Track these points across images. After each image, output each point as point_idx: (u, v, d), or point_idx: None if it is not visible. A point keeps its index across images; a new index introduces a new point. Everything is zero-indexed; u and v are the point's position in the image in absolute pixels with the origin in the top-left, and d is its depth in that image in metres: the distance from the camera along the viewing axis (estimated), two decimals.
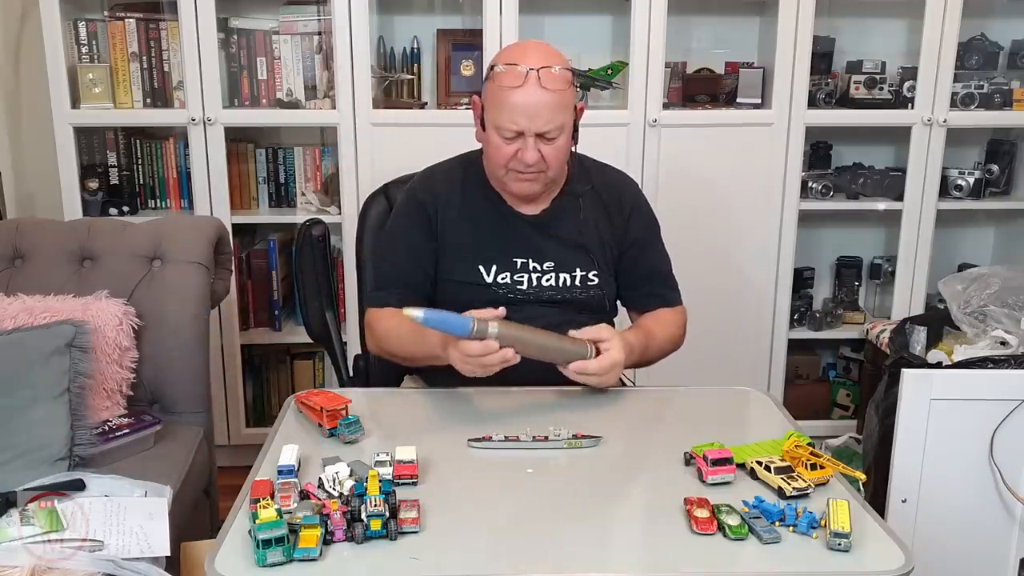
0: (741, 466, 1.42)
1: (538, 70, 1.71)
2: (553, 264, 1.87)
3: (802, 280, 3.19)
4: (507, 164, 1.78)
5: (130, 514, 1.65)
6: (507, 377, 1.65)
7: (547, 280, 1.87)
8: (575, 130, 1.81)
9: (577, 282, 1.88)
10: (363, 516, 1.24)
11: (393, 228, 1.95)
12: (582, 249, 1.88)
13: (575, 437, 1.53)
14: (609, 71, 2.88)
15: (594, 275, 1.89)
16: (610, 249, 1.92)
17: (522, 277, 1.86)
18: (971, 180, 3.03)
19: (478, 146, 1.91)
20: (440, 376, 1.80)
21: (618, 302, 1.99)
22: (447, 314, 1.58)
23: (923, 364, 2.36)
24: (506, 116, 1.73)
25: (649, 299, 1.96)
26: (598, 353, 1.69)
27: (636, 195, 1.99)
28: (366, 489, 1.28)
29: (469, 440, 1.52)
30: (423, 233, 1.88)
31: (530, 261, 1.87)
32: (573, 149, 1.85)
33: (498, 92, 1.74)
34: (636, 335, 1.83)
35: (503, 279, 1.86)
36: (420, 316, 1.55)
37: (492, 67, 1.77)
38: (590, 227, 1.90)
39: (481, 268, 1.86)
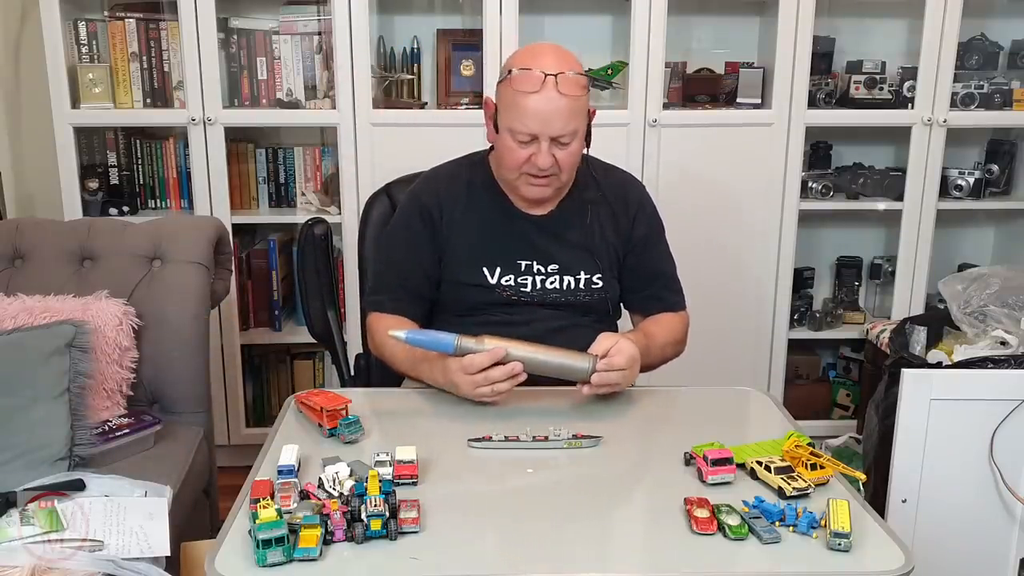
0: (741, 466, 1.42)
1: (556, 76, 1.70)
2: (558, 267, 1.87)
3: (802, 280, 3.18)
4: (520, 168, 1.77)
5: (130, 514, 1.65)
6: None
7: (551, 283, 1.87)
8: (587, 133, 1.81)
9: (581, 285, 1.88)
10: (363, 516, 1.24)
11: (394, 230, 1.95)
12: (587, 252, 1.88)
13: (575, 437, 1.52)
14: (609, 71, 2.87)
15: (598, 279, 1.88)
16: (615, 251, 1.91)
17: (526, 279, 1.86)
18: (971, 180, 3.03)
19: (481, 147, 1.91)
20: None
21: (621, 305, 1.98)
22: (429, 332, 1.64)
23: (923, 364, 2.36)
24: (521, 120, 1.72)
25: (651, 302, 1.95)
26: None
27: (641, 195, 1.97)
28: (366, 489, 1.28)
29: (469, 440, 1.52)
30: (425, 236, 1.88)
31: (534, 263, 1.86)
32: (585, 151, 1.85)
33: (514, 96, 1.73)
34: (636, 336, 1.81)
35: (507, 281, 1.85)
36: (403, 336, 1.62)
37: (509, 70, 1.75)
38: (595, 230, 1.89)
39: (485, 270, 1.85)
